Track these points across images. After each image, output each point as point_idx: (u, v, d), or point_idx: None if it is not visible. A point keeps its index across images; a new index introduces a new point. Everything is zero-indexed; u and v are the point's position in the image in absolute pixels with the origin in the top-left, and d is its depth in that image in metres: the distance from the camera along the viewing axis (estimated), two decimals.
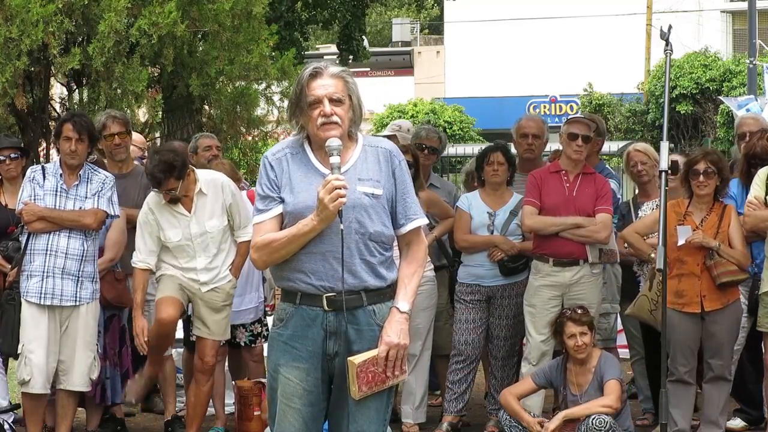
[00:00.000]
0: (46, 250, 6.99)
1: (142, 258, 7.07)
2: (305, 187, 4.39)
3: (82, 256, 7.04)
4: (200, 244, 7.04)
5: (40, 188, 7.06)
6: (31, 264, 7.00)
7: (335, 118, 4.37)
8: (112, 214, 7.16)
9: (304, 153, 4.48)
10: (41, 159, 7.73)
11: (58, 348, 7.02)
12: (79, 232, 7.03)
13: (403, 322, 4.43)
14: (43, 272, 6.97)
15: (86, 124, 7.19)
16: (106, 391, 7.51)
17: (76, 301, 7.02)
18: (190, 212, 7.04)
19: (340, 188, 4.25)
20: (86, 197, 7.08)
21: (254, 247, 4.48)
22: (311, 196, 4.33)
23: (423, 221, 4.57)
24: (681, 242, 6.95)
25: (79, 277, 7.02)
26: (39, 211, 6.99)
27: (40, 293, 6.97)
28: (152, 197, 7.11)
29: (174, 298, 7.01)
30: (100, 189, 7.10)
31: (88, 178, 7.13)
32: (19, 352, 7.03)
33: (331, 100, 4.37)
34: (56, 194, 7.06)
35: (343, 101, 4.40)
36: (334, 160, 4.31)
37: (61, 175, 7.10)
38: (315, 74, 4.40)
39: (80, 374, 7.08)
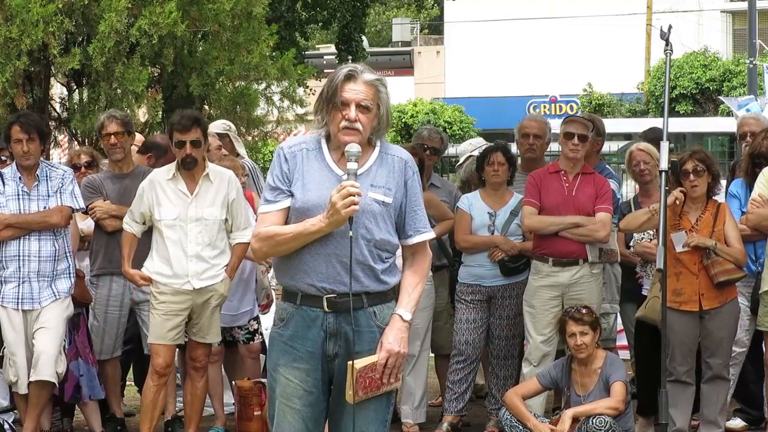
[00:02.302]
0: (19, 255, 6.98)
1: (128, 221, 7.12)
2: (316, 186, 4.38)
3: (55, 256, 7.04)
4: (194, 229, 7.01)
5: (1, 195, 7.02)
6: (5, 270, 6.98)
7: (357, 125, 4.37)
8: (77, 207, 7.15)
9: (320, 151, 4.47)
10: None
11: (32, 345, 7.03)
12: (48, 233, 7.02)
13: (404, 330, 4.44)
14: (19, 278, 6.97)
15: (34, 122, 7.15)
16: (81, 389, 7.45)
17: (54, 297, 7.03)
18: (192, 194, 7.06)
19: (355, 195, 4.25)
20: (49, 196, 7.05)
21: (257, 236, 4.46)
22: (321, 195, 4.33)
23: (431, 235, 4.60)
24: (678, 249, 6.96)
25: (53, 277, 7.03)
26: (5, 219, 6.96)
27: (18, 299, 6.98)
28: (159, 172, 7.15)
29: (166, 345, 7.06)
30: (60, 185, 7.07)
31: (46, 176, 7.09)
32: (1, 355, 7.05)
33: (359, 107, 4.37)
34: (18, 198, 7.02)
35: (371, 109, 4.40)
36: (352, 166, 4.30)
37: (20, 178, 7.05)
38: (350, 77, 4.40)
39: (48, 364, 7.01)
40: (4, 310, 6.99)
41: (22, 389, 7.04)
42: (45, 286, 7.00)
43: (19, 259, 6.98)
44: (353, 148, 4.32)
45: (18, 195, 7.03)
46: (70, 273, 7.14)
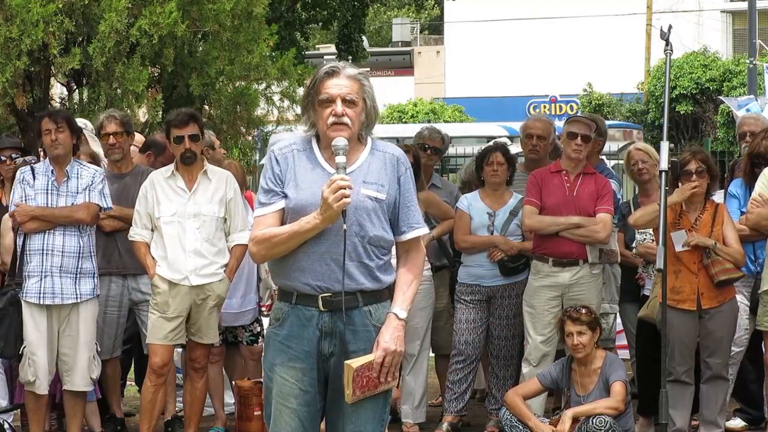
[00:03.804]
0: (42, 249, 6.97)
1: (138, 231, 7.12)
2: (309, 185, 4.38)
3: (79, 252, 7.02)
4: (192, 224, 7.02)
5: (30, 188, 7.03)
6: (29, 264, 6.99)
7: (345, 119, 4.36)
8: (105, 206, 7.15)
9: (311, 150, 4.47)
10: (41, 158, 7.73)
11: (56, 347, 7.03)
12: (74, 228, 7.02)
13: (400, 328, 4.44)
14: (41, 272, 6.96)
15: (64, 115, 7.22)
16: None
17: (76, 298, 7.01)
18: (190, 190, 7.07)
19: (345, 188, 4.24)
20: (77, 192, 7.06)
21: (254, 240, 4.47)
22: (314, 194, 4.33)
23: (424, 230, 4.59)
24: (678, 248, 6.96)
25: (77, 274, 7.01)
26: (31, 211, 6.97)
27: (40, 293, 6.96)
28: (157, 173, 7.18)
29: (163, 345, 7.07)
30: (90, 183, 7.08)
31: (77, 174, 7.10)
32: (20, 353, 7.03)
33: (344, 101, 4.36)
34: (47, 192, 7.03)
35: (356, 103, 4.39)
36: (340, 159, 4.29)
37: (52, 171, 7.07)
38: (332, 73, 4.39)
39: (82, 374, 7.08)
40: (28, 307, 6.98)
41: (40, 389, 7.03)
42: (68, 283, 6.98)
43: (42, 253, 6.97)
44: (340, 141, 4.31)
45: (47, 189, 7.04)
46: (94, 274, 7.12)
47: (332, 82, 4.38)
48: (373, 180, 4.42)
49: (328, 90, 4.37)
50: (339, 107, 4.35)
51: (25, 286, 6.99)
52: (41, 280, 6.97)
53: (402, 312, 4.45)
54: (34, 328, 6.98)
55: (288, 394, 4.43)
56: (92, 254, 7.14)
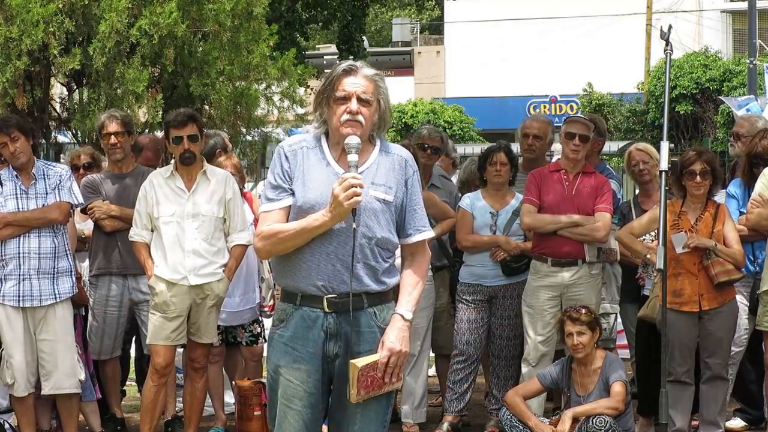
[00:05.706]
0: (18, 252, 6.98)
1: (138, 232, 7.12)
2: (317, 184, 4.38)
3: (55, 252, 7.04)
4: (191, 225, 7.03)
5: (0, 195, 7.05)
6: (5, 268, 6.98)
7: (359, 117, 4.37)
8: (76, 203, 7.16)
9: (320, 149, 4.47)
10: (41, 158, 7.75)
11: (34, 348, 7.03)
12: (47, 229, 7.03)
13: (405, 329, 4.45)
14: (19, 275, 6.97)
15: (13, 122, 7.19)
16: None
17: (55, 298, 7.01)
18: (189, 191, 7.07)
19: (357, 187, 4.24)
20: (47, 193, 7.07)
21: (260, 235, 4.46)
22: (322, 193, 4.33)
23: (431, 234, 4.60)
24: (679, 250, 6.96)
25: (54, 274, 7.02)
26: (3, 217, 6.97)
27: (18, 296, 6.97)
28: (156, 173, 7.19)
29: (166, 346, 7.06)
30: (58, 182, 7.09)
31: (44, 175, 7.11)
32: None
33: (360, 100, 4.38)
34: (17, 197, 7.04)
35: (371, 103, 4.40)
36: (352, 158, 4.30)
37: (17, 176, 7.08)
38: (349, 71, 4.41)
39: (66, 375, 7.06)
40: (3, 309, 6.98)
41: (18, 392, 7.03)
42: (46, 284, 7.00)
43: (19, 257, 6.98)
44: (353, 140, 4.32)
45: (16, 194, 7.04)
46: (71, 272, 7.13)
47: (349, 80, 4.40)
48: (381, 182, 4.42)
49: (345, 87, 4.38)
50: (354, 105, 4.36)
51: (2, 289, 6.98)
52: (19, 283, 6.97)
53: (407, 313, 4.45)
54: (10, 329, 6.99)
55: (293, 396, 4.43)
56: (68, 252, 7.14)
